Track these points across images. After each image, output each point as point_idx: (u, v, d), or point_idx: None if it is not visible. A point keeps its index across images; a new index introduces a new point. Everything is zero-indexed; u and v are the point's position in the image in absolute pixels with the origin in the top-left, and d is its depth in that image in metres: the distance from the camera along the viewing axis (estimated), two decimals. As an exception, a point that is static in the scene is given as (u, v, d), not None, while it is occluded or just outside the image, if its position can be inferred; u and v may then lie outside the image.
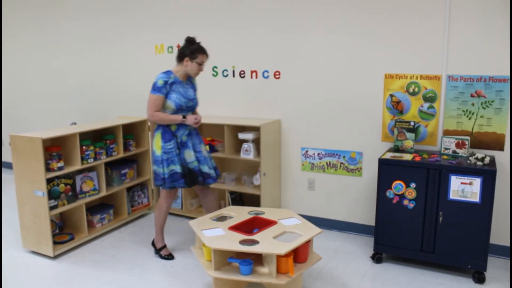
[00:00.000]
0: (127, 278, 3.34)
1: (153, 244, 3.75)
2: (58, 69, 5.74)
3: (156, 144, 3.44)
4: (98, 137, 4.15)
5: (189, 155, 3.47)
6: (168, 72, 3.39)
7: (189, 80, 3.52)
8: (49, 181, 3.58)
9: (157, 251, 3.69)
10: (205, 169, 3.54)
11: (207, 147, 4.23)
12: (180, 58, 3.42)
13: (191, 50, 3.38)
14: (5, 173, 6.45)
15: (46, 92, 5.96)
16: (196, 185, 3.58)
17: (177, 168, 3.41)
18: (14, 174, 3.64)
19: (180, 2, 4.60)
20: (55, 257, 3.69)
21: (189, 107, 3.46)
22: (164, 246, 3.70)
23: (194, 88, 3.56)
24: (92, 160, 3.93)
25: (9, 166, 6.36)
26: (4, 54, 6.32)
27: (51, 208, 3.62)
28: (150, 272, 3.43)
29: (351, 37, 3.81)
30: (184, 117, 3.38)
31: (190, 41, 3.44)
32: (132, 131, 4.53)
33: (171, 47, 4.74)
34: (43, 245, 3.66)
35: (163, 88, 3.31)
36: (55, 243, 3.72)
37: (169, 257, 3.64)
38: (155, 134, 3.46)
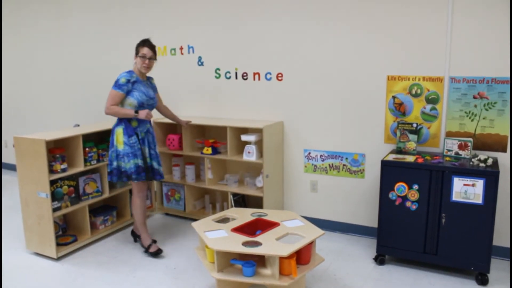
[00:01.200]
0: (130, 280, 3.35)
1: (141, 244, 3.81)
2: (61, 70, 5.76)
3: (117, 140, 3.56)
4: (101, 139, 4.16)
5: (146, 152, 3.67)
6: (130, 72, 3.58)
7: (149, 81, 3.77)
8: (52, 182, 3.59)
9: (146, 249, 3.75)
10: (155, 165, 3.76)
11: (210, 149, 4.25)
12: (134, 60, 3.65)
13: (135, 49, 3.62)
14: (9, 174, 6.48)
15: (48, 93, 5.98)
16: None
17: (140, 161, 3.57)
18: (18, 175, 3.66)
19: (183, 4, 4.61)
20: (58, 258, 3.70)
21: (150, 105, 3.66)
22: (154, 242, 3.77)
23: (154, 88, 3.82)
24: (95, 162, 3.94)
25: (13, 167, 6.39)
26: (5, 54, 6.35)
27: (55, 209, 3.63)
28: (153, 274, 3.44)
29: (354, 39, 3.81)
30: (136, 112, 3.52)
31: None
32: (135, 133, 4.54)
33: (174, 50, 4.76)
34: (46, 247, 3.67)
35: (125, 86, 3.49)
36: (58, 244, 3.73)
37: (158, 252, 3.70)
38: (115, 130, 3.58)
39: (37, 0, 5.75)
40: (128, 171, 3.55)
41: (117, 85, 3.48)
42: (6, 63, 6.40)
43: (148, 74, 3.73)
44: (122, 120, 3.57)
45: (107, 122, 4.44)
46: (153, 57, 3.62)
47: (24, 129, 6.14)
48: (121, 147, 3.54)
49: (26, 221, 3.74)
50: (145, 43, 3.60)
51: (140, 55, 3.56)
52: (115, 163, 3.57)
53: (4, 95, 6.60)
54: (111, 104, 3.48)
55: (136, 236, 3.98)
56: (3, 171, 6.81)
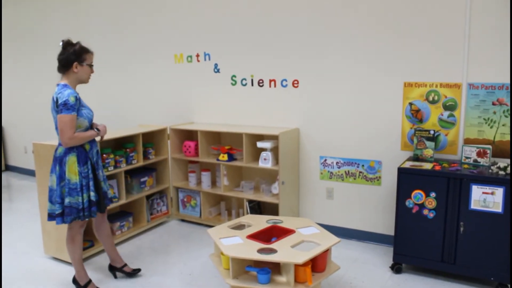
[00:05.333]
0: (146, 286, 3.37)
1: (74, 281, 3.27)
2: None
3: (71, 170, 2.96)
4: (118, 146, 4.21)
5: (100, 176, 3.17)
6: (69, 86, 2.98)
7: None
8: (70, 188, 3.64)
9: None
10: (105, 188, 3.23)
11: (226, 156, 4.26)
12: (67, 66, 2.99)
13: (77, 53, 2.97)
14: (29, 180, 6.61)
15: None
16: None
17: (92, 195, 3.03)
18: (37, 181, 3.72)
19: (199, 12, 4.66)
20: (76, 263, 3.74)
21: (91, 121, 3.13)
22: (89, 282, 3.26)
23: None
24: (112, 168, 3.98)
25: (33, 173, 6.49)
26: (24, 60, 6.48)
27: (72, 215, 3.68)
28: (168, 280, 3.45)
29: (370, 45, 3.80)
30: (97, 129, 3.08)
31: (68, 43, 3.02)
32: (151, 139, 4.59)
33: (190, 57, 4.80)
34: (64, 252, 3.70)
35: (75, 105, 2.92)
36: (75, 249, 3.77)
37: None
38: (68, 159, 2.96)
39: (58, 11, 5.87)
40: (82, 207, 2.99)
41: (69, 107, 2.86)
42: (25, 69, 6.53)
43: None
44: (73, 146, 2.98)
45: (124, 129, 4.49)
46: None
47: (44, 135, 6.23)
48: (75, 179, 2.96)
49: (44, 226, 3.79)
50: (86, 49, 3.03)
51: (88, 62, 3.01)
52: (67, 200, 2.95)
53: (24, 101, 6.74)
54: (74, 132, 2.90)
55: (115, 270, 3.50)
56: (23, 176, 6.95)
